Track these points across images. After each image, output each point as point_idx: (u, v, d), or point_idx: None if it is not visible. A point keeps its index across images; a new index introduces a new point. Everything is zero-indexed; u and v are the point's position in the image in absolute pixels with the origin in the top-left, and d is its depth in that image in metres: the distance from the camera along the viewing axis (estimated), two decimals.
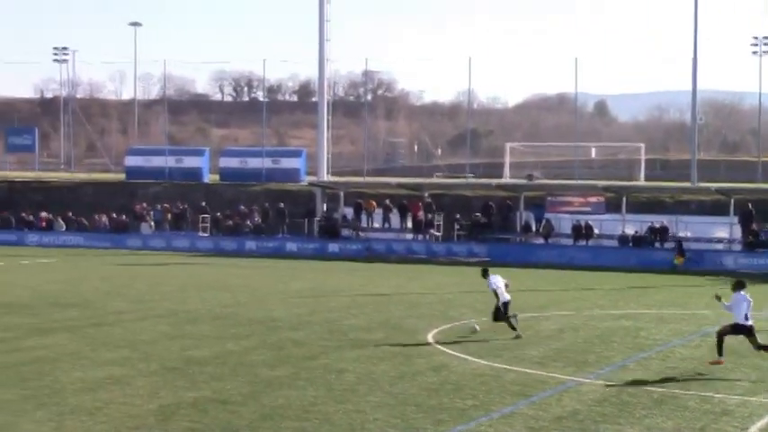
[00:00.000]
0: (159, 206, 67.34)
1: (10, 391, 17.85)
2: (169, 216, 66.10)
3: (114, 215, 67.02)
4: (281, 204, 63.48)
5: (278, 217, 62.97)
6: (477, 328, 26.29)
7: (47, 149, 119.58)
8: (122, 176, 78.66)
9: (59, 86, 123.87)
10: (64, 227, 67.12)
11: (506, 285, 26.23)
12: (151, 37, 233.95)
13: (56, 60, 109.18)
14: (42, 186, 76.23)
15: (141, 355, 21.90)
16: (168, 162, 75.51)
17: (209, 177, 77.01)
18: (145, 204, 68.15)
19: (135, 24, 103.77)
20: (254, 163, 74.74)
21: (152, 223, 65.84)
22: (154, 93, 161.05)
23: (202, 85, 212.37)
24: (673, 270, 50.28)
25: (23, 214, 68.84)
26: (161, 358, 21.49)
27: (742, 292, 21.36)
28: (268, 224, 63.20)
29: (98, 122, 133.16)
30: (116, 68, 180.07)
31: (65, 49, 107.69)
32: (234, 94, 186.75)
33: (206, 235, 63.19)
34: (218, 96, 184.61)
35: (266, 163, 73.89)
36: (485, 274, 26.59)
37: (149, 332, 25.47)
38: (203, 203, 65.43)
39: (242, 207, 65.05)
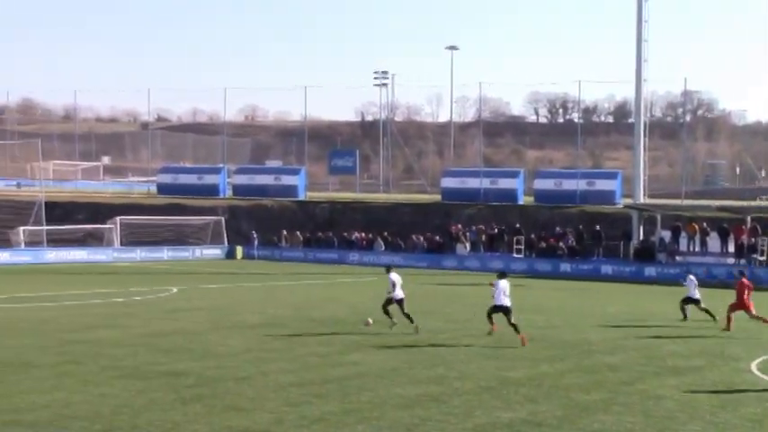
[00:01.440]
0: (474, 227, 68.14)
1: (332, 403, 18.46)
2: (484, 237, 66.75)
3: (430, 236, 68.41)
4: (597, 227, 62.74)
5: (593, 239, 62.28)
6: (371, 321, 30.64)
7: (367, 171, 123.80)
8: (438, 198, 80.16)
9: (379, 110, 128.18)
10: (383, 246, 69.14)
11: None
12: (468, 60, 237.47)
13: (376, 84, 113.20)
14: (362, 207, 78.77)
15: (457, 374, 22.12)
16: (483, 184, 76.32)
17: (524, 199, 77.22)
18: (460, 225, 69.16)
19: (452, 48, 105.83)
20: (568, 185, 74.29)
21: (467, 244, 66.70)
22: (470, 115, 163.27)
23: (517, 106, 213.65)
24: None
25: (345, 234, 71.49)
26: (476, 378, 21.63)
27: (501, 281, 27.73)
28: (583, 246, 62.61)
29: (415, 145, 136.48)
30: (433, 91, 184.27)
31: (385, 73, 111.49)
32: (549, 116, 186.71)
33: (520, 256, 63.33)
34: (533, 118, 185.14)
35: (581, 185, 73.30)
36: (388, 270, 31.01)
37: (464, 351, 25.71)
38: (517, 225, 65.65)
39: (557, 229, 64.79)
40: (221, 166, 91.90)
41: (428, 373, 22.07)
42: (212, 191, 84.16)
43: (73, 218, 75.21)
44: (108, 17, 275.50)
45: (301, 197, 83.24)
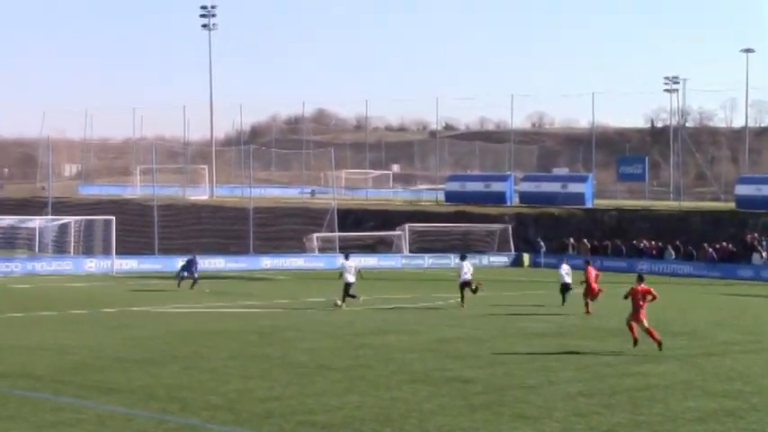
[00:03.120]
0: None
1: (621, 415, 18.05)
2: None
3: (723, 244, 66.04)
4: None
5: None
6: (339, 302, 37.93)
7: (656, 178, 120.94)
8: (732, 205, 77.32)
9: (669, 115, 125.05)
10: (673, 255, 67.37)
11: (358, 270, 38.80)
12: (765, 62, 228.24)
13: (666, 90, 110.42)
14: (651, 215, 77.06)
15: (754, 388, 21.16)
16: None
17: None
18: (756, 234, 66.40)
19: (747, 51, 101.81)
20: None
21: (763, 254, 63.97)
22: (767, 120, 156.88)
23: None
24: None
25: (633, 242, 70.12)
26: None
27: (464, 262, 39.58)
28: None
29: (707, 151, 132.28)
30: (727, 96, 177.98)
31: (675, 78, 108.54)
32: None
33: None
34: None
35: None
36: (346, 257, 39.56)
37: (761, 365, 24.62)
38: None
39: None
40: (508, 173, 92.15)
41: (723, 387, 21.24)
42: (499, 198, 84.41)
43: (363, 225, 77.36)
44: (396, 28, 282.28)
45: (589, 205, 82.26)
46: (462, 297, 39.11)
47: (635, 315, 26.89)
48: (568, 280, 40.32)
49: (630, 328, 27.01)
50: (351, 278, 37.79)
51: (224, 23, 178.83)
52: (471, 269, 39.83)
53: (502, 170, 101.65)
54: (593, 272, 39.17)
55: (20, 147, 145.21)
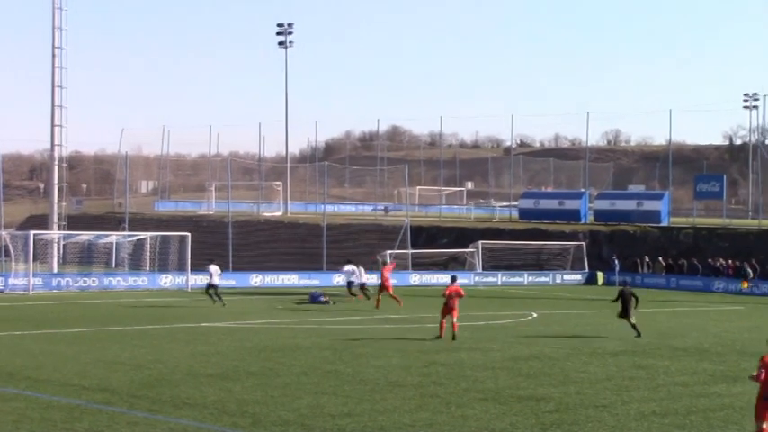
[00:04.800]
0: None
1: None
2: None
3: None
4: None
5: None
6: (331, 301, 47.29)
7: (734, 196, 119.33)
8: None
9: (748, 132, 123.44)
10: (751, 274, 66.34)
11: (219, 274, 45.83)
12: None
13: (746, 107, 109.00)
14: (729, 233, 76.01)
15: None
16: None
17: None
18: None
19: None
20: None
21: None
22: None
23: None
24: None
25: (710, 261, 69.16)
26: None
27: (349, 266, 50.08)
28: None
29: None
30: None
31: (755, 95, 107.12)
32: None
33: None
34: None
35: None
36: (210, 261, 46.12)
37: None
38: None
39: None
40: (583, 191, 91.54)
41: None
42: (573, 216, 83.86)
43: (436, 242, 77.28)
44: (470, 45, 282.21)
45: (664, 222, 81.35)
46: None
47: (446, 309, 32.53)
48: (365, 279, 49.51)
49: (442, 325, 32.58)
50: (217, 280, 45.08)
51: (300, 41, 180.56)
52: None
53: (576, 188, 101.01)
54: (387, 271, 47.52)
55: (98, 163, 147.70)
